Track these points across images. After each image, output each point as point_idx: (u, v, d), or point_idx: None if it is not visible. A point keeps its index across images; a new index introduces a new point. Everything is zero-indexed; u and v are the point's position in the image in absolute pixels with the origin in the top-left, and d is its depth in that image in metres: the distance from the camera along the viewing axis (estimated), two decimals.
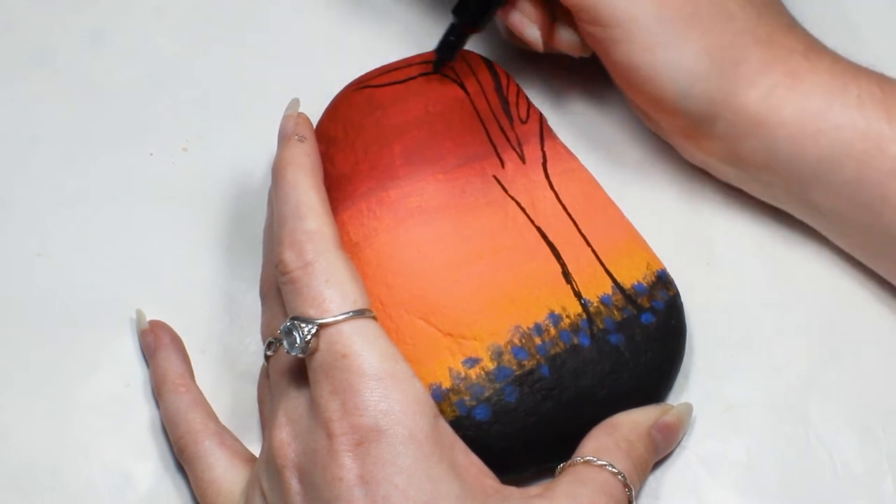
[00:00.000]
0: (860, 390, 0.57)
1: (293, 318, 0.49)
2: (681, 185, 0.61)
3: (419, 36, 0.64)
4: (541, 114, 0.59)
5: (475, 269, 0.54)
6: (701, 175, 0.61)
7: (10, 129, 0.63)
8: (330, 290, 0.50)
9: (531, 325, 0.53)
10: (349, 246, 0.53)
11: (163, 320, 0.58)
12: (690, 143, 0.58)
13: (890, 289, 0.59)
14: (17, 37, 0.65)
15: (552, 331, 0.53)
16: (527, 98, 0.59)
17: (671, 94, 0.55)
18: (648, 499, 0.55)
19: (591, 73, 0.63)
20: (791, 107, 0.55)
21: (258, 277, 0.58)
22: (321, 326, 0.49)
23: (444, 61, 0.57)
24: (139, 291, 0.59)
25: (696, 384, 0.57)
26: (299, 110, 0.55)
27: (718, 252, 0.60)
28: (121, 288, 0.59)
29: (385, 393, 0.48)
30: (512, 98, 0.58)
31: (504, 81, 0.58)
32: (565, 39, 0.58)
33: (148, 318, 0.58)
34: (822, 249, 0.60)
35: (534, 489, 0.51)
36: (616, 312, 0.54)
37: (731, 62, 0.55)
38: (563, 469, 0.52)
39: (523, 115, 0.58)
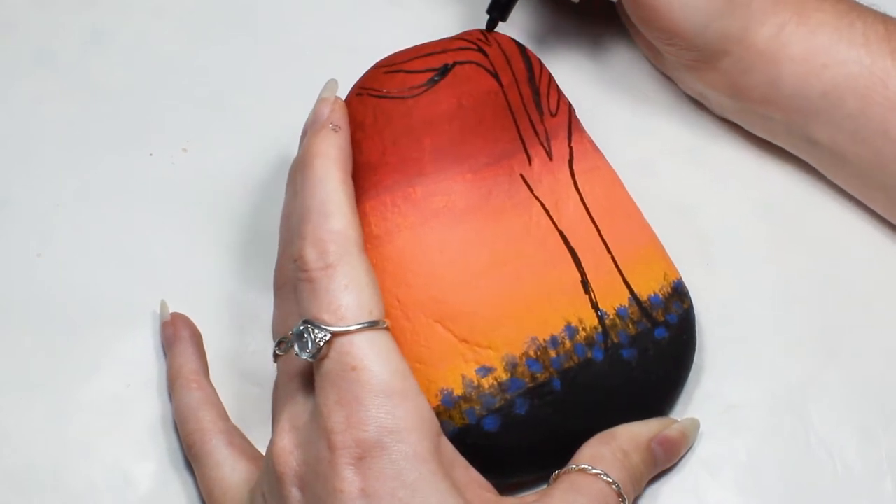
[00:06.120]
0: (860, 390, 0.57)
1: (306, 322, 0.49)
2: (681, 185, 0.61)
3: (422, 37, 0.64)
4: (570, 105, 0.58)
5: (496, 276, 0.53)
6: (701, 175, 0.61)
7: (10, 129, 0.63)
8: (348, 296, 0.49)
9: (547, 338, 0.53)
10: (369, 238, 0.53)
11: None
12: (693, 75, 0.60)
13: (890, 289, 0.59)
14: (17, 37, 0.65)
15: (567, 344, 0.53)
16: (557, 88, 0.57)
17: (687, 31, 0.57)
18: (648, 499, 0.55)
19: (590, 73, 0.64)
20: (799, 44, 0.57)
21: (258, 277, 0.58)
22: (334, 335, 0.48)
23: (496, 21, 0.57)
24: (139, 292, 0.59)
25: (696, 384, 0.57)
26: (336, 94, 0.54)
27: (718, 252, 0.60)
28: (121, 288, 0.59)
29: (391, 410, 0.48)
30: (543, 88, 0.57)
31: (537, 70, 0.57)
32: None
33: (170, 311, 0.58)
34: (822, 250, 0.60)
35: (529, 497, 0.51)
36: (631, 326, 0.54)
37: (747, 1, 0.57)
38: (558, 476, 0.52)
39: (553, 106, 0.57)
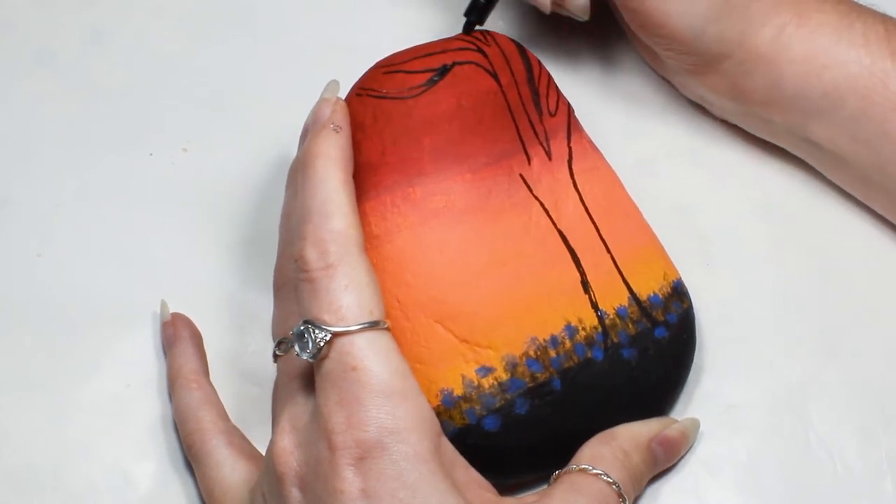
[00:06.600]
0: (860, 390, 0.57)
1: (307, 322, 0.49)
2: (681, 186, 0.61)
3: (421, 38, 0.64)
4: (569, 105, 0.58)
5: (496, 275, 0.53)
6: (701, 175, 0.61)
7: (10, 129, 0.63)
8: (348, 296, 0.49)
9: (547, 338, 0.53)
10: (369, 238, 0.53)
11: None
12: (694, 79, 0.60)
13: (890, 289, 0.59)
14: (17, 37, 0.65)
15: (567, 344, 0.53)
16: (556, 88, 0.57)
17: (685, 36, 0.57)
18: (648, 499, 0.55)
19: (590, 75, 0.64)
20: (799, 45, 0.57)
21: (258, 277, 0.58)
22: (335, 335, 0.48)
23: (473, 24, 0.57)
24: (139, 292, 0.59)
25: (696, 384, 0.57)
26: (337, 95, 0.54)
27: (718, 252, 0.60)
28: (121, 288, 0.59)
29: (391, 410, 0.48)
30: (542, 89, 0.57)
31: (536, 70, 0.57)
32: (574, 3, 0.59)
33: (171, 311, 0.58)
34: (822, 250, 0.60)
35: (529, 497, 0.51)
36: (631, 326, 0.54)
37: (744, 3, 0.57)
38: (558, 476, 0.52)
39: (552, 107, 0.57)
